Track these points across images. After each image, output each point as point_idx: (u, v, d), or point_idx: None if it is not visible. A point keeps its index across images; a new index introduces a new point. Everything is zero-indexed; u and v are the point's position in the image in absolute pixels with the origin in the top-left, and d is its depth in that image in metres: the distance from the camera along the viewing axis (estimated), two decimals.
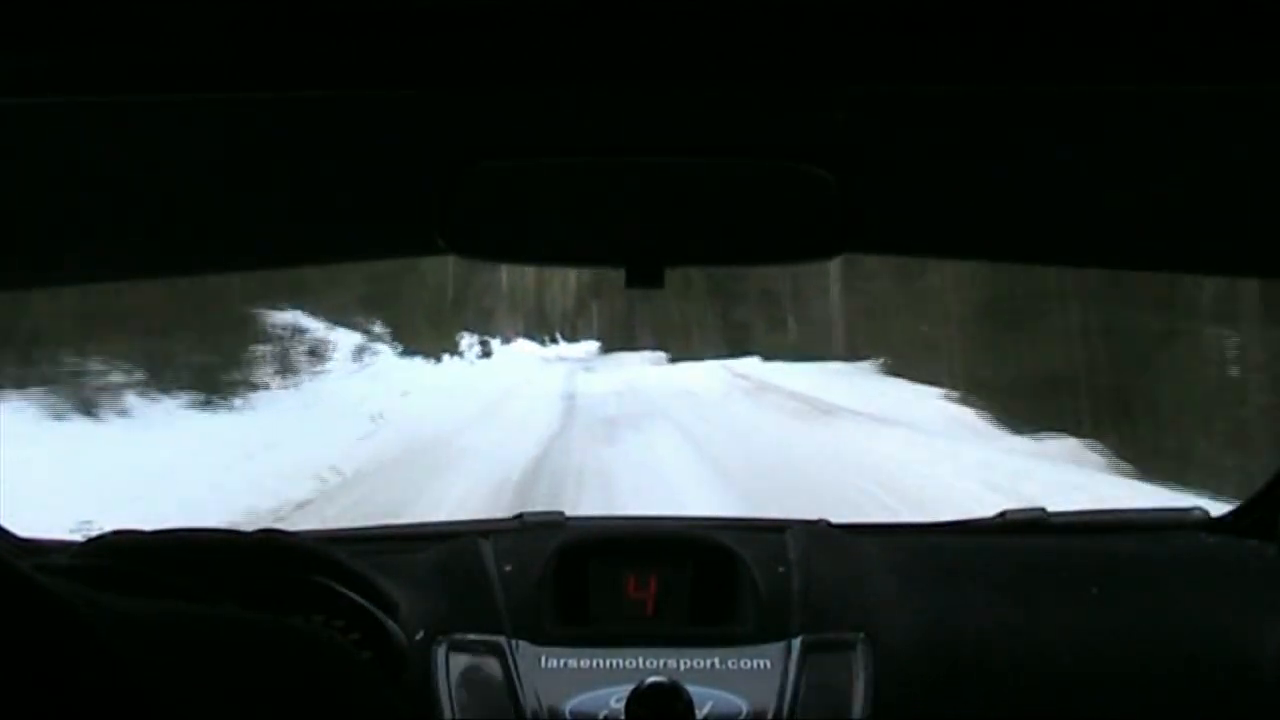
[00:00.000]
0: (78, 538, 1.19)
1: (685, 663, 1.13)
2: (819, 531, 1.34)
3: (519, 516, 1.44)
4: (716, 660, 1.14)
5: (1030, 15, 0.53)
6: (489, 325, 33.11)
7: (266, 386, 11.39)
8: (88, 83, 0.58)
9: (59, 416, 8.48)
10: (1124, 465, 7.92)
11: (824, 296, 20.14)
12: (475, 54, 0.58)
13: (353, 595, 1.06)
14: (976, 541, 1.38)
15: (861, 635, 1.14)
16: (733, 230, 0.93)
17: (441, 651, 1.13)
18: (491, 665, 1.13)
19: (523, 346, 35.51)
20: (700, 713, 1.09)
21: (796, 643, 1.14)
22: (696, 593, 1.22)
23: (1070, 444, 8.82)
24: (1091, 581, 1.20)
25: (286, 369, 12.17)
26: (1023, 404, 10.10)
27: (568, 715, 1.10)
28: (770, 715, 1.10)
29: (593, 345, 38.17)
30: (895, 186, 0.90)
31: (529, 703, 1.11)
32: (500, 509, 4.94)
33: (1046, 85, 0.63)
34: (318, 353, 13.02)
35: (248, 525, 1.14)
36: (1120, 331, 9.32)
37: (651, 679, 1.08)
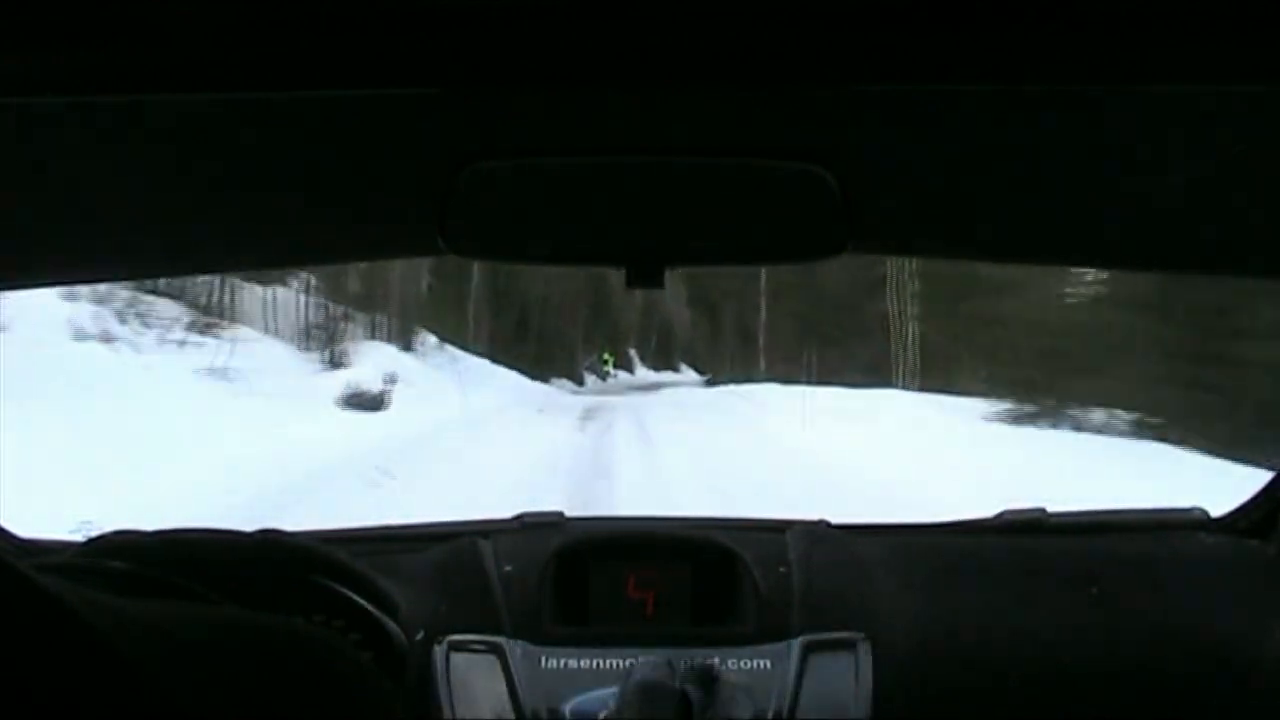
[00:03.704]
0: (78, 538, 1.19)
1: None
2: (819, 532, 1.34)
3: (519, 517, 1.44)
4: (716, 660, 1.14)
5: (1030, 15, 0.53)
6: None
7: None
8: (88, 83, 0.58)
9: None
10: None
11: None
12: (475, 54, 0.58)
13: (353, 595, 1.06)
14: (976, 541, 1.38)
15: (861, 635, 1.14)
16: (733, 230, 0.93)
17: (441, 651, 1.13)
18: (491, 665, 1.14)
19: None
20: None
21: (796, 643, 1.14)
22: (697, 593, 1.22)
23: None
24: (1091, 581, 1.21)
25: None
26: None
27: (568, 715, 1.10)
28: (770, 715, 1.10)
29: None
30: (895, 186, 0.90)
31: (529, 703, 1.11)
32: None
33: (1046, 85, 0.63)
34: None
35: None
36: None
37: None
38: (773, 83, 0.64)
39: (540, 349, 24.73)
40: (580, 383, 26.22)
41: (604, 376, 29.14)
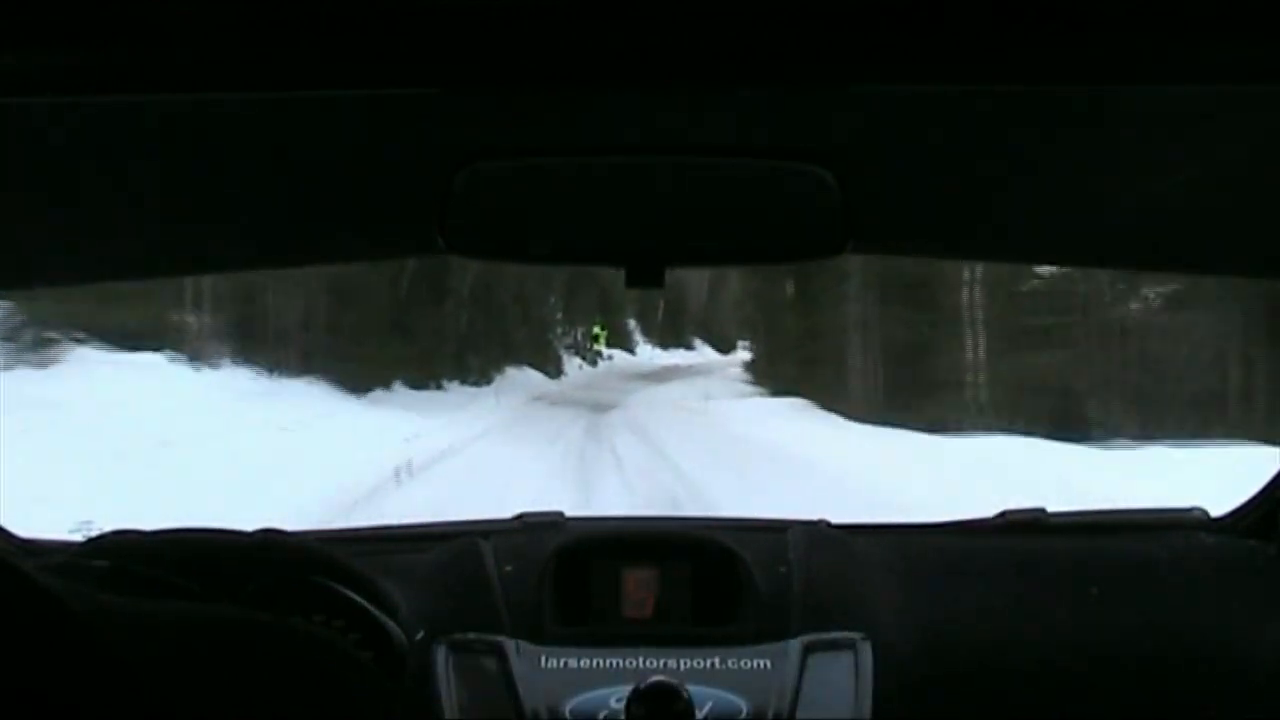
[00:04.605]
0: (78, 538, 1.19)
1: (685, 663, 1.13)
2: (819, 531, 1.34)
3: (519, 517, 1.44)
4: (716, 660, 1.14)
5: (1030, 15, 0.53)
6: None
7: None
8: (88, 83, 0.58)
9: None
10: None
11: None
12: (475, 54, 0.58)
13: (353, 595, 1.06)
14: (976, 541, 1.38)
15: (861, 635, 1.14)
16: (733, 230, 0.93)
17: (441, 651, 1.13)
18: (491, 665, 1.14)
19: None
20: (700, 713, 1.09)
21: (796, 643, 1.14)
22: (697, 593, 1.22)
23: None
24: (1091, 581, 1.21)
25: None
26: None
27: (568, 715, 1.10)
28: (770, 715, 1.10)
29: None
30: (895, 186, 0.90)
31: (529, 703, 1.11)
32: None
33: (1046, 85, 0.63)
34: None
35: None
36: None
37: (651, 679, 1.08)
38: (773, 83, 0.64)
39: (488, 324, 14.69)
40: (557, 372, 17.55)
41: (594, 359, 20.56)
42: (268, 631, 0.53)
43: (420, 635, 1.13)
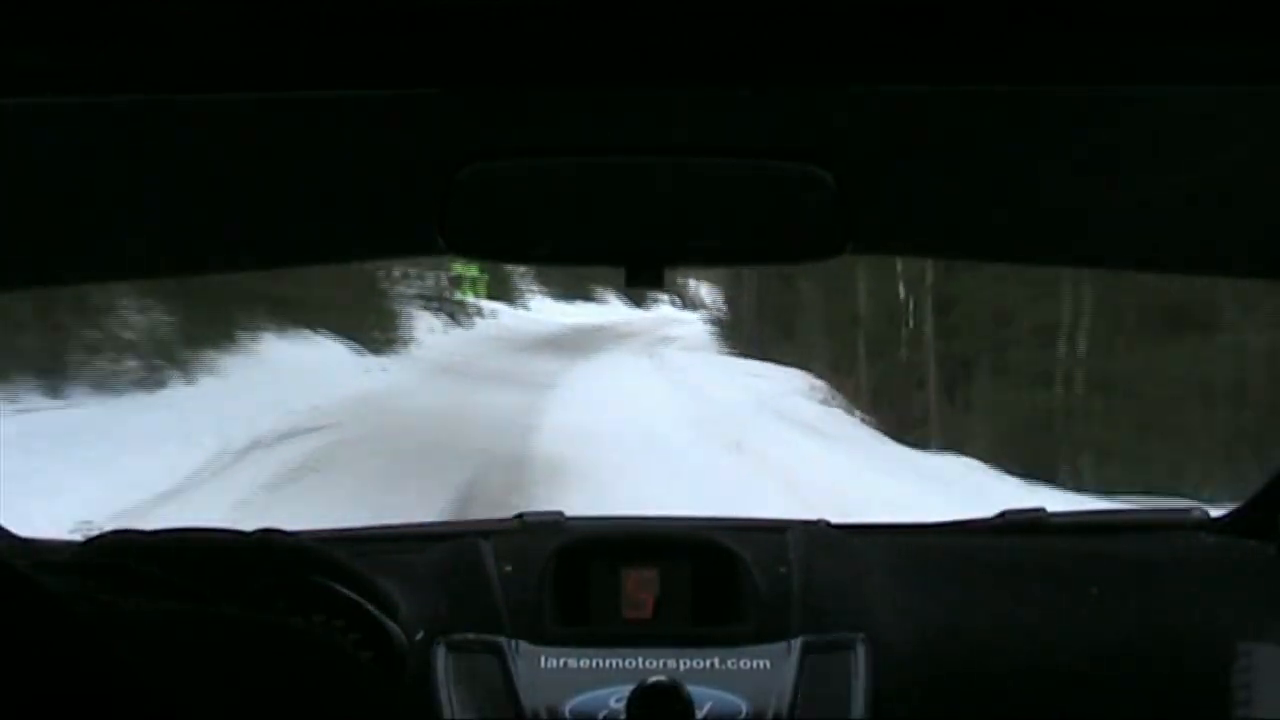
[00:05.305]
0: (78, 538, 1.19)
1: (685, 663, 1.13)
2: (819, 532, 1.34)
3: (519, 517, 1.44)
4: (716, 660, 1.14)
5: (1030, 15, 0.53)
6: None
7: None
8: (88, 83, 0.58)
9: None
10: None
11: None
12: (475, 54, 0.58)
13: (352, 595, 1.06)
14: (976, 541, 1.38)
15: (861, 635, 1.14)
16: (733, 230, 0.93)
17: (441, 651, 1.13)
18: (491, 665, 1.14)
19: None
20: (700, 713, 1.09)
21: (796, 643, 1.14)
22: (697, 593, 1.22)
23: None
24: (1091, 581, 1.20)
25: None
26: None
27: (568, 715, 1.10)
28: (770, 715, 1.10)
29: None
30: (895, 186, 0.90)
31: (529, 703, 1.11)
32: None
33: (1046, 85, 0.63)
34: None
35: None
36: None
37: (651, 679, 1.08)
38: (773, 83, 0.64)
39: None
40: (387, 342, 11.50)
41: (457, 314, 14.63)
42: (268, 631, 0.53)
43: (420, 635, 1.13)
